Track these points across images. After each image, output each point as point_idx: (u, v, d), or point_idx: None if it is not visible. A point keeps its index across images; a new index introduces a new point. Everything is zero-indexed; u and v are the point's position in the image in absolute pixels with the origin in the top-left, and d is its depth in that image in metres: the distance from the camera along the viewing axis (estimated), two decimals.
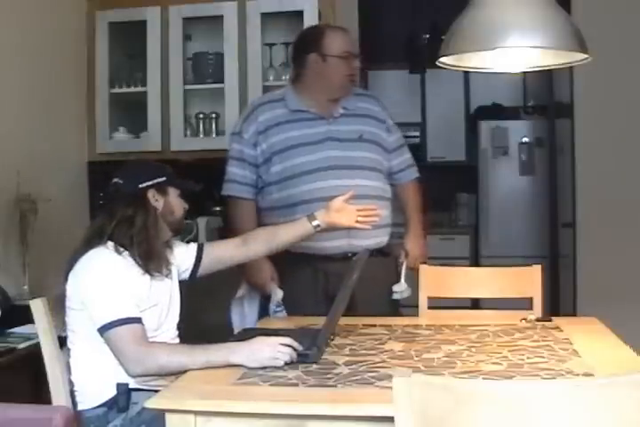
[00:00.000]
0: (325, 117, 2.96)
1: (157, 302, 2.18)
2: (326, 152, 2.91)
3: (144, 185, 2.22)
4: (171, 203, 2.27)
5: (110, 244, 2.15)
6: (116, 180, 2.24)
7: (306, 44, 3.00)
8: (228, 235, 3.06)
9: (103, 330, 2.02)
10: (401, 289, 3.00)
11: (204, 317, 2.92)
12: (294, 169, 2.91)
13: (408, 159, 3.16)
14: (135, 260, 2.14)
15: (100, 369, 2.09)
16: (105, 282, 2.08)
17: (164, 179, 2.26)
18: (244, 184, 2.98)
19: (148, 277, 2.16)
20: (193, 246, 2.42)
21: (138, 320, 2.05)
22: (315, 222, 2.45)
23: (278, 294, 2.87)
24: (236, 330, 2.78)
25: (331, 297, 2.73)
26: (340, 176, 2.89)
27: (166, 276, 2.24)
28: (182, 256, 2.37)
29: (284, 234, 2.47)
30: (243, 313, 2.98)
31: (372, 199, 2.91)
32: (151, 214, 2.22)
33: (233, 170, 2.99)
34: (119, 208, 2.20)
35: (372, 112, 3.04)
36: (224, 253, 2.44)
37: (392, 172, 3.09)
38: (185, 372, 1.92)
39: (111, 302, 2.05)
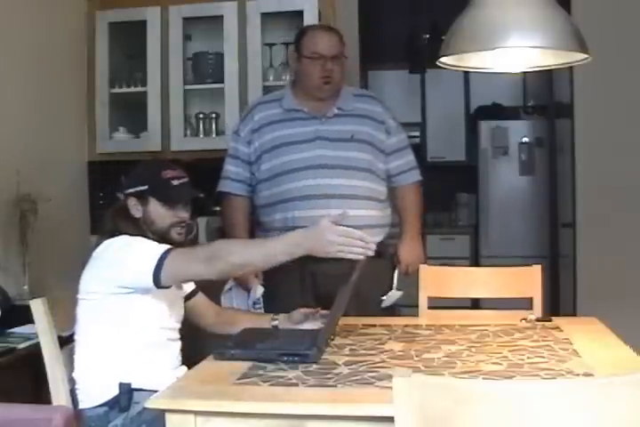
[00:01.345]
0: (318, 117, 2.98)
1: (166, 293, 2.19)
2: (315, 151, 2.93)
3: (127, 192, 2.22)
4: (150, 213, 2.20)
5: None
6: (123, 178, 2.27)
7: (294, 42, 3.07)
8: (223, 231, 3.08)
9: (156, 276, 2.00)
10: (388, 296, 2.99)
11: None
12: (282, 167, 2.95)
13: (409, 162, 3.13)
14: None
15: (104, 367, 2.10)
16: (123, 246, 2.09)
17: (144, 188, 2.20)
18: (237, 181, 3.05)
19: None
20: (192, 285, 2.40)
21: (169, 249, 2.03)
22: (274, 322, 2.38)
23: (257, 291, 2.90)
24: None
25: (320, 297, 2.75)
26: (329, 175, 2.91)
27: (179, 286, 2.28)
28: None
29: (247, 322, 2.38)
30: (231, 304, 3.01)
31: (361, 199, 2.93)
32: (130, 222, 2.20)
33: (228, 167, 3.06)
34: (109, 212, 2.25)
35: (370, 113, 3.03)
36: (204, 311, 2.42)
37: (390, 174, 3.08)
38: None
39: (143, 253, 2.04)
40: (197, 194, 2.27)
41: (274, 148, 2.97)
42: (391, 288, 3.03)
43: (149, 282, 2.02)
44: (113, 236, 2.16)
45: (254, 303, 2.90)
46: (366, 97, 3.13)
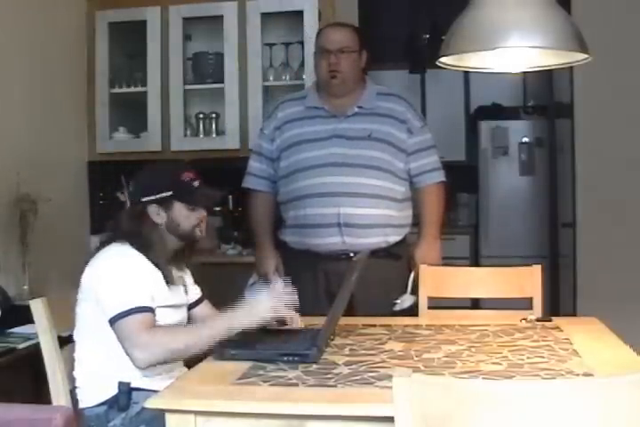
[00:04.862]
0: (337, 115, 2.98)
1: (175, 303, 2.19)
2: (330, 149, 2.93)
3: (146, 199, 2.17)
4: (175, 218, 2.18)
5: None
6: (131, 184, 2.23)
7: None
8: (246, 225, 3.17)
9: (113, 320, 2.01)
10: (402, 300, 2.95)
11: (221, 301, 2.90)
12: (297, 164, 2.97)
13: (432, 163, 3.05)
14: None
15: (103, 366, 2.10)
16: (119, 272, 2.08)
17: (169, 193, 2.17)
18: (259, 177, 3.10)
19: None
20: (198, 292, 2.39)
21: (148, 309, 2.03)
22: None
23: (277, 286, 2.92)
24: None
25: (331, 293, 2.76)
26: (341, 173, 2.91)
27: (185, 292, 2.27)
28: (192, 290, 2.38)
29: None
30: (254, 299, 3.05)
31: (374, 198, 2.92)
32: (154, 229, 2.17)
33: (252, 164, 3.12)
34: (124, 219, 2.20)
35: (392, 112, 3.00)
36: (206, 318, 2.35)
37: (412, 174, 3.04)
38: (192, 362, 1.93)
39: (122, 293, 2.03)
40: (220, 194, 2.29)
41: (292, 145, 3.00)
42: (405, 291, 2.97)
43: (107, 318, 2.04)
44: (124, 238, 2.15)
45: None
46: (391, 96, 3.07)
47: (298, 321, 2.32)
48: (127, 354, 2.00)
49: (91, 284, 2.09)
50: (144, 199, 2.17)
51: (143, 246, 2.14)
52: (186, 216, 2.20)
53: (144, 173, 2.26)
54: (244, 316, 2.03)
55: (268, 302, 2.04)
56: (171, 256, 2.21)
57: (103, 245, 2.16)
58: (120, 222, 2.20)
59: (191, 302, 2.35)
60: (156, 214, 2.18)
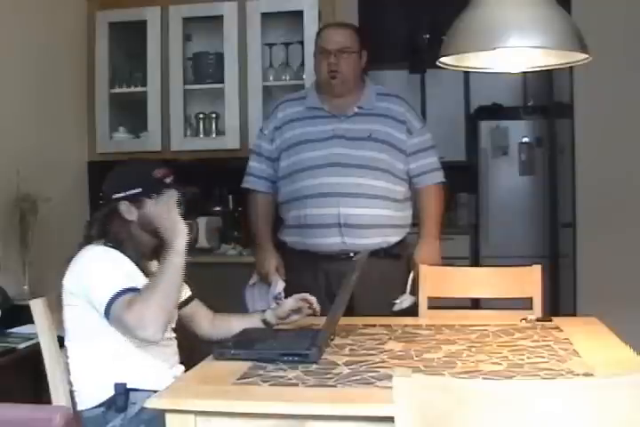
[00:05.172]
0: (338, 116, 2.99)
1: None
2: (330, 149, 2.94)
3: (116, 196, 2.15)
4: (147, 214, 2.15)
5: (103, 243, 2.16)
6: (104, 185, 2.22)
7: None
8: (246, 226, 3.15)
9: (107, 314, 2.00)
10: (401, 300, 2.94)
11: (221, 301, 2.90)
12: (298, 165, 2.97)
13: (431, 163, 3.06)
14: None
15: (97, 369, 2.08)
16: (96, 267, 2.07)
17: (138, 190, 2.14)
18: (259, 177, 3.10)
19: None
20: (187, 292, 2.34)
21: (129, 290, 2.01)
22: (263, 317, 2.36)
23: (278, 287, 2.95)
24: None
25: (331, 294, 2.75)
26: (342, 173, 2.91)
27: None
28: None
29: (240, 324, 2.35)
30: (254, 299, 3.08)
31: (373, 198, 2.93)
32: (126, 226, 2.16)
33: (251, 164, 3.12)
34: (97, 217, 2.20)
35: (392, 112, 3.01)
36: (199, 319, 2.36)
37: (411, 175, 3.04)
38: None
39: (103, 284, 2.02)
40: (192, 191, 2.23)
41: (292, 145, 3.00)
42: (405, 291, 2.97)
43: (102, 315, 2.03)
44: (99, 238, 2.15)
45: (275, 298, 2.94)
46: (390, 96, 3.07)
47: (315, 302, 2.32)
48: (137, 340, 2.01)
49: (73, 287, 2.09)
50: (114, 196, 2.16)
51: (117, 244, 2.13)
52: (157, 214, 2.15)
53: (115, 171, 2.24)
54: (177, 240, 2.03)
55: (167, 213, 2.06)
56: (148, 252, 2.20)
57: (81, 246, 2.15)
58: (94, 221, 2.20)
59: (180, 300, 2.32)
60: (128, 212, 2.16)
